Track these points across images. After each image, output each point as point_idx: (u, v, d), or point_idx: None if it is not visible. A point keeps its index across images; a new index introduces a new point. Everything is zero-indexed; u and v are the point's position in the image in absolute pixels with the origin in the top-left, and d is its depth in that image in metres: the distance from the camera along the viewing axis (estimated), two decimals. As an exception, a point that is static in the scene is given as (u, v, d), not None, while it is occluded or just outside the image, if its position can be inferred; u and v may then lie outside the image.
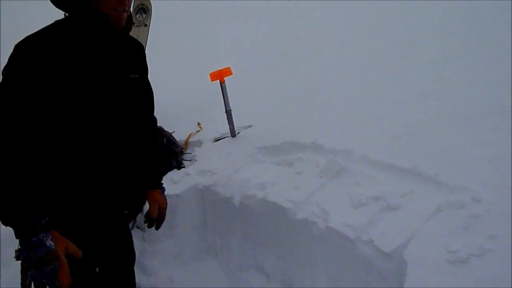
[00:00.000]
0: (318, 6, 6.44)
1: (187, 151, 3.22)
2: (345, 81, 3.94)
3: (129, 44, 1.84)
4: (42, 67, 1.47)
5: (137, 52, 1.88)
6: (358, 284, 2.03)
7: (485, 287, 1.62)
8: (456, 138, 2.62)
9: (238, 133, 3.22)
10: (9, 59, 1.47)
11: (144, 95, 1.92)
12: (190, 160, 3.07)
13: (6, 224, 1.40)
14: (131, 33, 1.89)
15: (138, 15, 3.63)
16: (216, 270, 2.72)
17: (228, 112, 3.13)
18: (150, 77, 1.94)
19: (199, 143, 3.28)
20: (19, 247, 1.39)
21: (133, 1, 1.94)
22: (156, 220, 1.98)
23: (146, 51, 1.95)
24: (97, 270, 1.73)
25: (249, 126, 3.33)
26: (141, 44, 1.94)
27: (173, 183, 2.78)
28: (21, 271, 1.38)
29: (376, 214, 2.11)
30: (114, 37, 1.70)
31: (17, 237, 1.39)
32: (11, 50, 1.45)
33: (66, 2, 1.62)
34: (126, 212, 1.97)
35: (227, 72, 3.04)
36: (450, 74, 3.60)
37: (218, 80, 3.06)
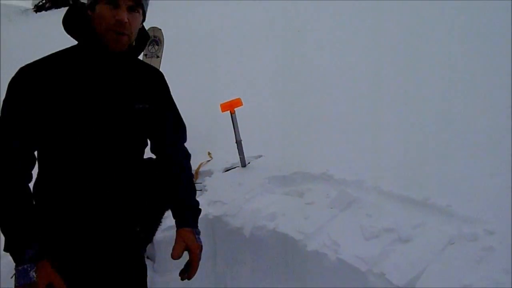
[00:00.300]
0: (326, 36, 6.50)
1: (197, 181, 3.23)
2: (355, 110, 3.95)
3: (140, 72, 1.82)
4: (36, 94, 1.54)
5: (151, 81, 1.85)
6: (370, 318, 2.00)
7: (501, 323, 1.59)
8: (467, 168, 2.60)
9: (249, 163, 3.23)
10: (8, 86, 1.54)
11: (160, 126, 1.88)
12: (200, 190, 3.07)
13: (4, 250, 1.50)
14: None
15: (150, 47, 3.71)
16: (227, 302, 2.69)
17: (239, 142, 3.15)
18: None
19: (209, 173, 3.28)
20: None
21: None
22: (186, 269, 1.81)
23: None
24: None
25: (260, 156, 3.34)
26: (160, 73, 1.92)
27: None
28: None
29: (388, 246, 2.09)
30: (110, 61, 1.68)
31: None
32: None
33: (70, 25, 1.66)
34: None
35: (237, 103, 3.08)
36: (461, 103, 3.59)
37: (229, 111, 3.09)
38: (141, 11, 1.66)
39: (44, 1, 17.07)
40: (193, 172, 3.29)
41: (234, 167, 3.24)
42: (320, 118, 3.96)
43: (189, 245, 1.78)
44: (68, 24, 1.66)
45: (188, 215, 1.89)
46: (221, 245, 2.74)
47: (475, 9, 5.44)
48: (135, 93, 1.76)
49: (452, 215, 2.19)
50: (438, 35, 5.39)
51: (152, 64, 3.72)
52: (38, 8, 17.01)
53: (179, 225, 1.84)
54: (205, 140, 3.77)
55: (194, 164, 3.33)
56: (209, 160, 3.47)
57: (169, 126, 1.94)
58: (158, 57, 3.73)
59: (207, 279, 2.76)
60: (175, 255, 1.73)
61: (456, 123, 3.25)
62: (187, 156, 2.01)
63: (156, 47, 3.69)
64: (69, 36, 1.67)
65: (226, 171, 3.24)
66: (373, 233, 2.17)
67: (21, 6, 18.52)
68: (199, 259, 1.83)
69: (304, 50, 6.08)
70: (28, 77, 1.55)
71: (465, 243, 2.00)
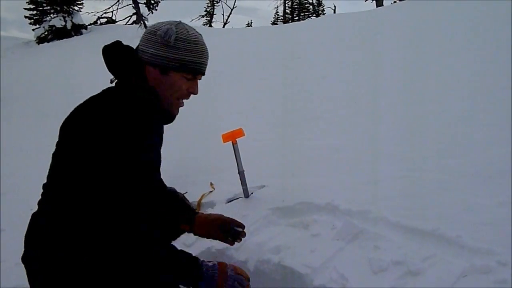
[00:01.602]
0: (327, 62, 6.54)
1: (200, 212, 3.17)
2: (359, 139, 3.91)
3: None
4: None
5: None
6: None
7: None
8: (475, 198, 2.54)
9: (252, 193, 3.18)
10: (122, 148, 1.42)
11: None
12: (203, 222, 3.02)
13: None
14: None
15: None
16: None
17: (241, 173, 3.11)
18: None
19: (212, 204, 3.24)
20: None
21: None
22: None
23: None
24: None
25: (263, 186, 3.29)
26: None
27: (185, 246, 2.72)
28: None
29: (398, 280, 2.02)
30: (165, 123, 1.74)
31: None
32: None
33: (119, 67, 1.65)
34: None
35: (239, 133, 3.05)
36: (466, 131, 3.55)
37: (230, 141, 3.06)
38: None
39: (46, 33, 17.29)
40: (196, 203, 3.25)
41: (237, 198, 3.19)
42: (323, 146, 3.93)
43: (216, 217, 2.06)
44: (117, 65, 1.66)
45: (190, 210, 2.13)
46: (225, 279, 2.67)
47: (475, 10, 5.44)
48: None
49: (462, 247, 2.13)
50: (439, 53, 5.41)
51: None
52: (40, 40, 17.22)
53: (194, 214, 2.08)
54: (207, 171, 3.74)
55: (196, 195, 3.32)
56: (211, 191, 3.43)
57: None
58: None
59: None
60: (237, 222, 2.06)
61: (463, 151, 3.21)
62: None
63: None
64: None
65: (228, 202, 3.20)
66: (381, 267, 2.11)
67: (24, 38, 18.79)
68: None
69: (305, 78, 6.11)
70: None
71: (477, 275, 1.93)
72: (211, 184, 3.54)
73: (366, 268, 2.14)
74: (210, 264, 1.62)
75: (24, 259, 1.59)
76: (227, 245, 2.56)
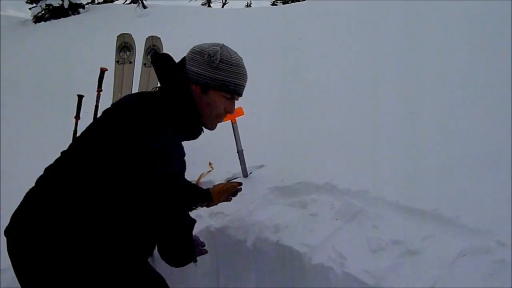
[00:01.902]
0: (328, 43, 6.47)
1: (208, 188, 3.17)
2: (358, 120, 3.89)
3: None
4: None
5: None
6: (379, 335, 1.93)
7: None
8: (475, 179, 2.53)
9: (250, 173, 3.17)
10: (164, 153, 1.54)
11: None
12: (201, 202, 3.01)
13: None
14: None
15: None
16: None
17: (240, 152, 3.09)
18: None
19: (210, 184, 3.21)
20: None
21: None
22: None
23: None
24: None
25: (262, 166, 3.28)
26: None
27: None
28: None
29: (396, 259, 2.02)
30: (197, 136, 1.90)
31: None
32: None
33: (174, 91, 1.72)
34: None
35: (238, 112, 3.02)
36: (468, 111, 3.53)
37: (230, 120, 3.03)
38: None
39: (43, 12, 17.08)
40: (194, 182, 3.23)
41: (236, 178, 3.18)
42: (322, 127, 3.91)
43: (220, 187, 2.44)
44: (165, 75, 1.77)
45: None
46: (223, 257, 2.68)
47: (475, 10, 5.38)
48: None
49: (461, 227, 2.12)
50: (439, 41, 5.35)
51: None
52: (37, 19, 17.01)
53: (205, 191, 2.37)
54: (206, 151, 3.71)
55: (195, 174, 3.30)
56: (210, 171, 3.41)
57: None
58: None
59: (209, 294, 2.70)
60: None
61: (463, 131, 3.19)
62: None
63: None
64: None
65: (227, 181, 3.18)
66: (380, 246, 2.11)
67: (20, 17, 18.57)
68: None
69: (306, 59, 6.05)
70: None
71: (476, 255, 1.93)
72: (210, 163, 3.52)
73: (364, 247, 2.14)
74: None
75: (12, 232, 1.57)
76: (226, 224, 2.59)
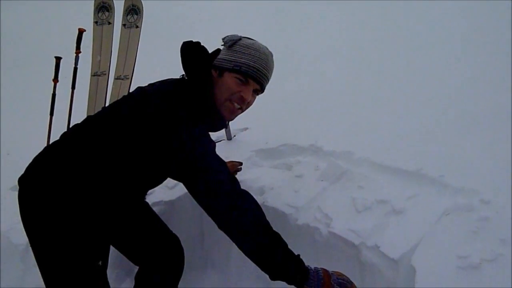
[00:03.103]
0: (316, 6, 6.37)
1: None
2: (345, 83, 3.87)
3: None
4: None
5: None
6: (365, 293, 1.95)
7: (500, 294, 1.54)
8: (460, 141, 2.54)
9: (234, 136, 3.14)
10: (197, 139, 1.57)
11: None
12: (185, 165, 2.98)
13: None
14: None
15: (129, 16, 3.55)
16: (214, 280, 2.62)
17: (224, 115, 3.04)
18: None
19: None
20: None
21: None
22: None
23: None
24: (99, 263, 1.71)
25: (245, 129, 3.25)
26: None
27: (168, 188, 2.68)
28: None
29: (381, 218, 2.03)
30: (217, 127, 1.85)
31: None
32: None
33: (193, 73, 1.72)
34: None
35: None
36: (452, 78, 3.53)
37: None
38: (259, 94, 1.84)
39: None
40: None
41: (220, 141, 3.14)
42: (307, 89, 3.87)
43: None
44: (190, 63, 1.74)
45: None
46: (208, 222, 2.63)
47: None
48: None
49: (446, 186, 2.14)
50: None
51: (131, 35, 3.59)
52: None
53: None
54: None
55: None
56: (193, 134, 3.37)
57: None
58: (137, 27, 3.57)
59: (195, 256, 2.69)
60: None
61: (448, 97, 3.19)
62: None
63: (135, 16, 3.52)
64: None
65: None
66: (365, 206, 2.11)
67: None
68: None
69: (292, 21, 5.96)
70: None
71: (460, 214, 1.94)
72: (193, 127, 3.47)
73: (350, 208, 2.14)
74: (312, 268, 1.64)
75: (24, 180, 1.62)
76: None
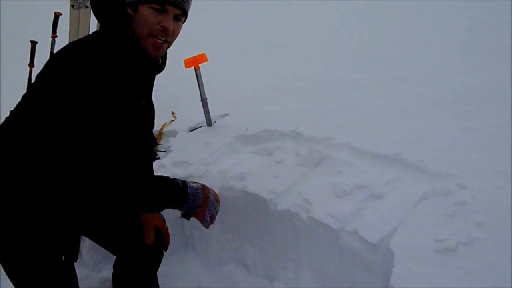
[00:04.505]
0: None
1: (161, 142, 3.10)
2: (324, 67, 3.86)
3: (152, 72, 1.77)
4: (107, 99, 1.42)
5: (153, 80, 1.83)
6: (344, 276, 1.97)
7: (475, 276, 1.57)
8: (438, 125, 2.57)
9: (214, 122, 3.11)
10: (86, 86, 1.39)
11: (146, 118, 1.83)
12: (165, 151, 2.96)
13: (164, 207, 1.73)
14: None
15: None
16: (195, 263, 2.61)
17: (204, 101, 3.02)
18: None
19: (173, 133, 3.16)
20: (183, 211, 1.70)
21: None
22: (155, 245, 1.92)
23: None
24: (62, 258, 1.65)
25: (226, 115, 3.23)
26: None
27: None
28: (201, 216, 1.75)
29: (360, 203, 2.05)
30: (149, 68, 1.65)
31: (179, 207, 1.67)
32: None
33: (103, 9, 1.58)
34: None
35: (202, 58, 2.93)
36: (431, 60, 3.55)
37: (193, 67, 2.94)
38: (184, 20, 1.63)
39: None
40: (157, 132, 3.17)
41: (200, 127, 3.13)
42: (287, 75, 3.86)
43: (156, 224, 1.93)
44: (100, 8, 1.59)
45: None
46: (188, 207, 2.65)
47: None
48: (145, 92, 1.74)
49: (424, 171, 2.17)
50: None
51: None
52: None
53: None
54: (168, 99, 3.62)
55: (157, 124, 3.21)
56: (173, 120, 3.34)
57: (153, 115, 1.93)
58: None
59: (175, 241, 2.67)
60: (149, 241, 1.87)
61: (426, 79, 3.22)
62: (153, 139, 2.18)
63: None
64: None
65: (191, 131, 3.13)
66: (344, 191, 2.12)
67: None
68: (168, 231, 2.02)
69: (270, 5, 5.91)
70: (102, 83, 1.41)
71: (438, 198, 1.98)
72: (172, 112, 3.44)
73: (329, 193, 2.15)
74: (194, 186, 1.71)
75: None
76: (191, 173, 2.55)
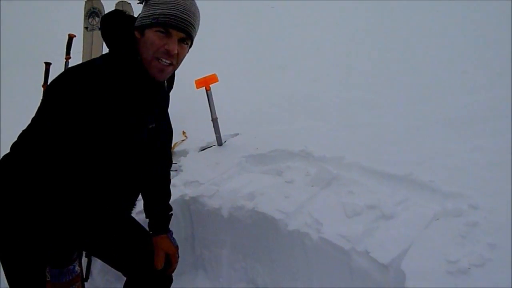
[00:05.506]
0: (302, 10, 6.39)
1: (172, 161, 3.12)
2: (334, 87, 3.88)
3: (162, 95, 1.81)
4: (78, 103, 1.46)
5: (166, 103, 1.89)
6: (355, 298, 1.96)
7: (488, 299, 1.56)
8: (450, 144, 2.57)
9: (225, 141, 3.14)
10: (50, 89, 1.51)
11: (157, 141, 1.87)
12: (175, 171, 2.97)
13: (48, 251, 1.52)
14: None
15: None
16: (205, 284, 2.61)
17: (214, 120, 3.05)
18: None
19: (184, 153, 3.18)
20: (51, 270, 1.52)
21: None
22: (164, 268, 1.89)
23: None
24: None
25: (236, 134, 3.25)
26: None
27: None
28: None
29: (371, 223, 2.04)
30: (149, 88, 1.66)
31: (53, 266, 1.51)
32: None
33: (114, 41, 1.61)
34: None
35: (213, 79, 2.96)
36: (444, 78, 3.55)
37: (204, 88, 2.97)
38: (189, 43, 1.64)
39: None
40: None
41: (210, 146, 3.15)
42: (298, 94, 3.88)
43: (168, 250, 1.91)
44: (109, 31, 1.63)
45: (163, 222, 1.98)
46: (198, 226, 2.66)
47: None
48: (151, 115, 1.76)
49: (435, 191, 2.16)
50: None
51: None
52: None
53: (155, 232, 1.93)
54: (179, 119, 3.62)
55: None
56: (184, 140, 3.37)
57: (163, 138, 1.97)
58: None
59: (185, 261, 2.68)
60: (160, 265, 1.85)
61: (436, 97, 3.22)
62: (171, 164, 2.11)
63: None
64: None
65: (202, 150, 3.15)
66: (355, 211, 2.12)
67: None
68: (178, 259, 1.98)
69: (279, 27, 5.97)
70: (78, 85, 1.48)
71: (449, 218, 1.96)
72: (183, 132, 3.47)
73: (340, 213, 2.15)
74: (72, 268, 1.55)
75: None
76: (201, 193, 2.55)
